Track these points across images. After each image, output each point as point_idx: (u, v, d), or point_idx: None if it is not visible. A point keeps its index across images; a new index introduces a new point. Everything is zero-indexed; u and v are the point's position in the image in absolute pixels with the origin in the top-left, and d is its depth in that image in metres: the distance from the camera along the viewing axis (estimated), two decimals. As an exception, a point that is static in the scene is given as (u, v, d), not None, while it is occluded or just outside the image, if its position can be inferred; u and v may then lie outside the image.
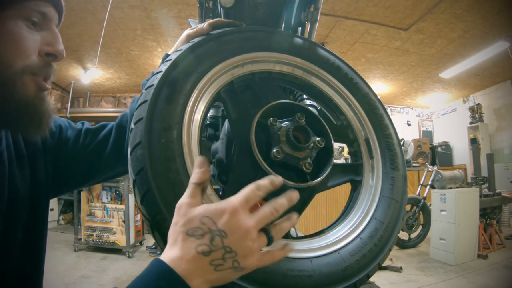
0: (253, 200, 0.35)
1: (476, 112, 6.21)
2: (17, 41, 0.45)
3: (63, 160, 0.65)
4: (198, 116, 0.51)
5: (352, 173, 0.67)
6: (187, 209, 0.34)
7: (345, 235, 0.55)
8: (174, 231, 0.34)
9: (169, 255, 0.32)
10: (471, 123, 6.30)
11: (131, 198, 3.86)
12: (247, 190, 0.35)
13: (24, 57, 0.46)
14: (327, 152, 0.59)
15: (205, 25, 0.62)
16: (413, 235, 4.15)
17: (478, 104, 6.21)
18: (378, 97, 0.73)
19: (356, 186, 0.66)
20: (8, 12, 0.45)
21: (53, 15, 0.51)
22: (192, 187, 0.36)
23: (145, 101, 0.47)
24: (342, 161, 5.48)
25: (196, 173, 0.37)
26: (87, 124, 0.72)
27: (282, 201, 0.37)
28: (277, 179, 0.37)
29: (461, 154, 6.64)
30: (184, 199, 0.35)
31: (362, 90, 0.72)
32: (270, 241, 0.35)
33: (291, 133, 0.54)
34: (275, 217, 0.36)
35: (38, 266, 0.58)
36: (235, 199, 0.34)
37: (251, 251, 0.33)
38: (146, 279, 0.31)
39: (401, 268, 3.23)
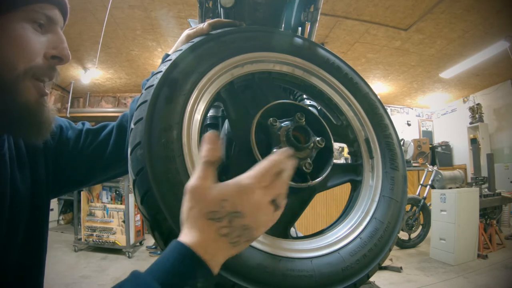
0: (268, 177, 0.35)
1: (476, 112, 6.20)
2: (22, 43, 0.45)
3: (64, 160, 0.65)
4: (198, 116, 0.51)
5: (352, 173, 0.67)
6: (203, 192, 0.33)
7: (345, 235, 0.55)
8: (190, 215, 0.33)
9: (189, 238, 0.32)
10: (471, 123, 6.30)
11: (131, 198, 3.86)
12: (263, 166, 0.35)
13: (29, 59, 0.45)
14: (327, 152, 0.59)
15: (204, 25, 0.62)
16: (413, 235, 4.15)
17: (478, 104, 6.20)
18: (378, 97, 0.73)
19: (356, 186, 0.66)
20: (14, 14, 0.45)
21: (58, 18, 0.51)
22: (204, 167, 0.34)
23: (145, 101, 0.47)
24: (342, 161, 5.48)
25: (206, 151, 0.35)
26: (88, 125, 0.72)
27: (289, 173, 0.37)
28: (289, 150, 0.38)
29: (461, 154, 6.63)
30: (197, 182, 0.34)
31: (362, 90, 0.72)
32: (277, 209, 0.36)
33: (291, 133, 0.54)
34: (285, 190, 0.37)
35: (39, 266, 0.58)
36: (252, 178, 0.34)
37: (264, 223, 0.35)
38: (170, 262, 0.31)
39: (401, 268, 3.23)
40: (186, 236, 0.33)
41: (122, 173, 0.74)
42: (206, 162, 0.34)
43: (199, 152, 0.36)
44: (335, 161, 0.61)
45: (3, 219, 0.49)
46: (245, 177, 0.35)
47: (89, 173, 0.70)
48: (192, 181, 0.34)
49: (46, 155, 0.62)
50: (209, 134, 0.35)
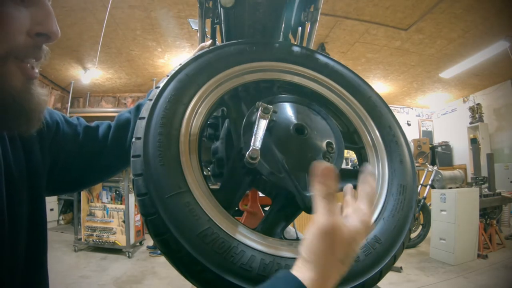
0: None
1: (476, 112, 6.20)
2: (1, 21, 0.37)
3: (63, 155, 0.63)
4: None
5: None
6: (339, 234, 0.32)
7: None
8: (322, 256, 0.32)
9: (310, 278, 0.31)
10: (471, 123, 6.30)
11: (131, 198, 3.86)
12: (372, 199, 0.38)
13: (9, 39, 0.38)
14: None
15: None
16: (413, 235, 4.15)
17: (478, 104, 6.20)
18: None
19: None
20: None
21: None
22: (326, 202, 0.33)
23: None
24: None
25: (321, 185, 0.33)
26: (83, 121, 0.70)
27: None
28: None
29: (461, 154, 6.63)
30: (329, 220, 0.32)
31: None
32: None
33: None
34: None
35: (42, 263, 0.56)
36: (370, 216, 0.36)
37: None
38: None
39: (401, 268, 3.23)
40: (306, 273, 0.32)
41: (117, 171, 0.75)
42: (327, 195, 0.33)
43: (313, 185, 0.34)
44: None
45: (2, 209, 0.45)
46: (367, 214, 0.35)
47: (86, 171, 0.68)
48: (324, 220, 0.32)
49: (42, 146, 0.57)
50: (322, 168, 0.33)
